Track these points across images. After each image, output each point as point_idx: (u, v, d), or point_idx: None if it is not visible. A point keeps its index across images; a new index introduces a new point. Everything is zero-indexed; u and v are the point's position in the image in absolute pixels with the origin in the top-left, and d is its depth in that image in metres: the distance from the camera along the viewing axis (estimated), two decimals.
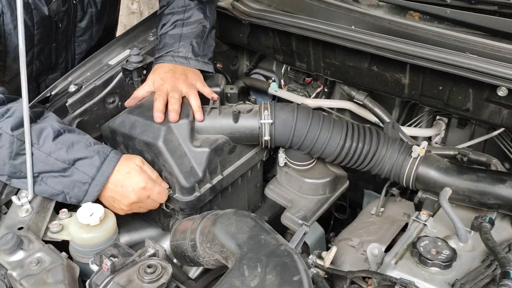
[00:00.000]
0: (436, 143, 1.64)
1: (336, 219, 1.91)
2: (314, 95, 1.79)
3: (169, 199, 1.31)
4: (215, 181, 1.35)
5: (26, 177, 1.17)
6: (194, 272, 1.43)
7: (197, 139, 1.33)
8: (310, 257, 1.31)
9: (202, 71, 1.48)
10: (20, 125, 1.15)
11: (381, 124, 1.56)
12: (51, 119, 1.24)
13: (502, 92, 1.20)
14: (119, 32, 1.70)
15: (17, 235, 1.05)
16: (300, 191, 1.47)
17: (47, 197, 1.21)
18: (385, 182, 1.48)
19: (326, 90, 1.76)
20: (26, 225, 1.12)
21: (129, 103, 1.44)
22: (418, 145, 1.32)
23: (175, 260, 1.26)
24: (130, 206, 1.26)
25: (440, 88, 1.32)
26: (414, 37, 1.31)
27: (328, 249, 1.31)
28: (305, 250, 1.54)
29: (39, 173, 1.17)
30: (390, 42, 1.28)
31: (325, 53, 1.50)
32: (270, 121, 1.32)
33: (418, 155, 1.30)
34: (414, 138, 1.57)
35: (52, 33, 1.43)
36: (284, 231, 1.54)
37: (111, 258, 0.94)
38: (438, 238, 1.17)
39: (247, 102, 1.45)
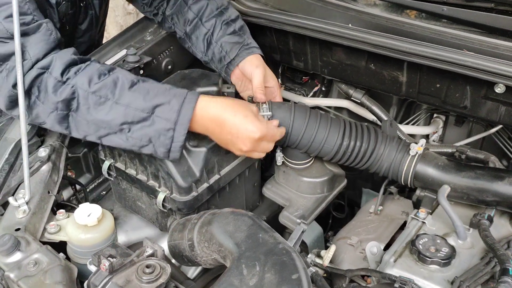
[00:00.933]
0: (434, 141, 1.64)
1: (334, 218, 1.91)
2: (311, 94, 1.79)
3: (166, 199, 1.31)
4: (212, 180, 1.34)
5: (113, 133, 1.15)
6: (192, 272, 1.43)
7: (194, 139, 1.32)
8: (309, 256, 1.31)
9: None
10: (92, 79, 1.14)
11: (379, 122, 1.56)
12: (122, 70, 1.21)
13: (499, 89, 1.20)
14: (116, 32, 1.71)
15: (14, 236, 1.04)
16: (298, 190, 1.47)
17: (136, 150, 1.19)
18: (384, 180, 1.48)
19: (323, 88, 1.76)
20: (23, 226, 1.11)
21: (260, 97, 1.36)
22: (416, 143, 1.32)
23: (173, 261, 1.26)
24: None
25: (438, 85, 1.32)
26: (411, 34, 1.31)
27: (327, 248, 1.31)
28: (304, 249, 1.54)
29: (122, 126, 1.14)
30: (387, 40, 1.28)
31: (322, 52, 1.50)
32: (269, 113, 1.31)
33: (416, 152, 1.29)
34: (412, 136, 1.57)
35: (64, 36, 1.43)
36: (282, 230, 1.53)
37: (109, 258, 0.94)
38: (437, 235, 1.16)
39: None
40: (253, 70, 1.41)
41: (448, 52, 1.21)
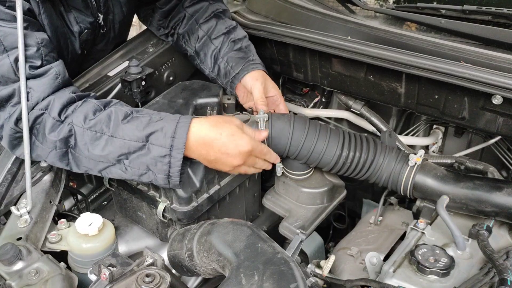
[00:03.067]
0: (433, 151, 1.64)
1: (335, 229, 1.91)
2: (312, 105, 1.80)
3: (167, 209, 1.31)
4: (212, 191, 1.35)
5: (112, 165, 1.18)
6: (192, 282, 1.43)
7: None
8: (308, 266, 1.31)
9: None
10: (87, 116, 1.17)
11: (378, 133, 1.57)
12: (118, 104, 1.23)
13: (497, 100, 1.22)
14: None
15: (16, 246, 1.05)
16: (297, 200, 1.48)
17: (137, 180, 1.21)
18: (384, 191, 1.48)
19: (323, 100, 1.77)
20: (25, 236, 1.12)
21: (262, 108, 1.38)
22: (415, 154, 1.33)
23: (173, 271, 1.26)
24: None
25: (436, 96, 1.33)
26: (409, 46, 1.33)
27: (327, 258, 1.32)
28: (304, 259, 1.54)
29: (119, 158, 1.16)
30: (386, 52, 1.30)
31: (322, 63, 1.51)
32: (265, 115, 1.34)
33: (415, 163, 1.30)
34: (412, 147, 1.58)
35: (79, 60, 1.47)
36: (283, 241, 1.54)
37: (109, 267, 0.95)
38: (436, 246, 1.17)
39: (244, 112, 1.46)
40: (253, 83, 1.45)
41: (445, 64, 1.23)
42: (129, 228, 1.52)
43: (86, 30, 1.39)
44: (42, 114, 1.16)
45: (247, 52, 1.54)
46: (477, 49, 1.28)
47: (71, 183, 1.49)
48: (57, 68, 1.20)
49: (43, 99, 1.16)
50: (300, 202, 1.47)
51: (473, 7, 1.38)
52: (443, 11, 1.43)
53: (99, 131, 1.16)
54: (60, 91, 1.19)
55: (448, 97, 1.31)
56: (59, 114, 1.16)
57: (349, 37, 1.41)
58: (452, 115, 1.34)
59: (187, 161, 1.24)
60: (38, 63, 1.17)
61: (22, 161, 1.27)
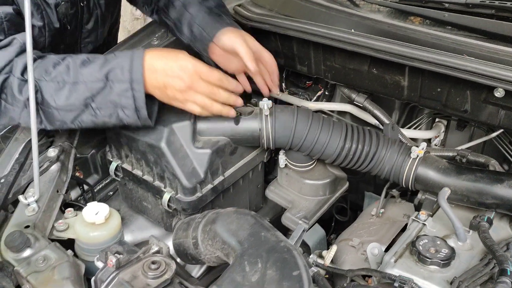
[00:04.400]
0: (435, 145, 1.65)
1: (337, 221, 1.93)
2: (315, 98, 1.81)
3: (172, 199, 1.33)
4: (216, 181, 1.37)
5: (81, 112, 1.22)
6: (197, 271, 1.45)
7: (198, 141, 1.35)
8: (311, 256, 1.32)
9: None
10: (47, 70, 1.21)
11: (381, 127, 1.58)
12: (74, 55, 1.26)
13: (499, 93, 1.22)
14: (123, 37, 1.73)
15: (24, 233, 1.07)
16: (300, 192, 1.49)
17: (108, 122, 1.24)
18: (386, 184, 1.49)
19: (326, 93, 1.78)
20: (32, 224, 1.14)
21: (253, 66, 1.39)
22: (417, 146, 1.34)
23: (178, 260, 1.28)
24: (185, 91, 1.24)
25: (439, 89, 1.34)
26: (413, 40, 1.33)
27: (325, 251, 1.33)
28: (307, 251, 1.56)
29: (86, 102, 1.20)
30: (389, 45, 1.30)
31: (326, 56, 1.52)
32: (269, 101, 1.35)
33: (417, 155, 1.32)
34: (414, 140, 1.59)
35: (61, 36, 1.47)
36: (285, 232, 1.56)
37: (116, 255, 0.96)
38: (437, 237, 1.18)
39: (248, 104, 1.48)
40: (233, 41, 1.42)
41: (449, 57, 1.23)
42: (134, 218, 1.54)
43: (63, 2, 1.40)
44: (7, 77, 1.20)
45: (221, 15, 1.53)
46: (480, 42, 1.29)
47: (77, 173, 1.51)
48: (21, 38, 1.23)
49: (6, 66, 1.21)
50: (302, 194, 1.48)
51: (477, 1, 1.38)
52: (447, 5, 1.43)
53: (61, 81, 1.19)
54: (22, 54, 1.22)
55: (451, 90, 1.32)
56: (22, 74, 1.20)
57: (352, 30, 1.41)
58: (454, 108, 1.35)
59: (154, 99, 1.27)
60: (1, 37, 1.22)
61: (30, 151, 1.29)
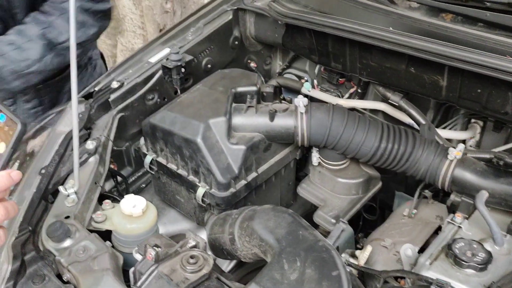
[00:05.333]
0: (470, 146, 1.62)
1: (365, 220, 1.91)
2: (347, 95, 1.80)
3: (206, 194, 1.35)
4: (250, 178, 1.38)
5: None
6: (226, 266, 1.47)
7: (233, 137, 1.36)
8: (342, 255, 1.32)
9: None
10: None
11: (415, 126, 1.56)
12: None
13: None
14: (153, 30, 1.74)
15: (65, 224, 1.10)
16: (333, 190, 1.49)
17: None
18: (417, 184, 1.48)
19: (359, 91, 1.76)
20: (72, 215, 1.16)
21: None
22: (454, 148, 1.32)
23: (209, 253, 1.30)
24: None
25: (479, 91, 1.31)
26: (453, 39, 1.31)
27: (357, 249, 1.33)
28: None
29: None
30: (429, 44, 1.28)
31: (362, 54, 1.51)
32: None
33: (455, 157, 1.30)
34: (449, 140, 1.56)
35: None
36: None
37: (154, 247, 0.98)
38: (473, 240, 1.17)
39: (283, 101, 1.47)
40: None
41: (491, 58, 1.21)
42: (166, 211, 1.56)
43: None
44: None
45: None
46: None
47: (111, 165, 1.53)
48: None
49: None
50: (335, 192, 1.48)
51: None
52: (488, 4, 1.40)
53: None
54: None
55: (492, 91, 1.29)
56: None
57: (390, 28, 1.39)
58: (494, 110, 1.32)
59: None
60: None
61: (69, 142, 1.32)
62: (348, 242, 1.60)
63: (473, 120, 1.61)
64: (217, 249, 1.18)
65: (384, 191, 1.79)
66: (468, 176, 1.29)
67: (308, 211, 1.60)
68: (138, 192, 1.63)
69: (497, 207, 1.27)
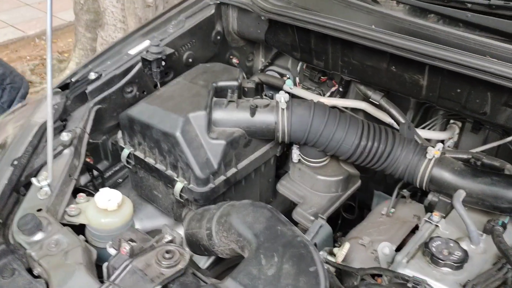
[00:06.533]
0: (449, 146, 1.64)
1: (344, 219, 1.92)
2: (328, 94, 1.80)
3: (184, 189, 1.32)
4: (229, 173, 1.36)
5: None
6: (204, 263, 1.45)
7: (213, 131, 1.34)
8: (320, 253, 1.31)
9: None
10: None
11: (395, 126, 1.57)
12: None
13: None
14: (134, 24, 1.71)
15: (36, 217, 1.06)
16: (312, 188, 1.48)
17: None
18: (396, 184, 1.48)
19: (340, 89, 1.76)
20: (45, 207, 1.13)
21: None
22: (433, 147, 1.33)
23: (187, 249, 1.27)
24: None
25: (458, 90, 1.32)
26: (434, 39, 1.31)
27: (335, 247, 1.32)
28: None
29: None
30: (411, 43, 1.29)
31: (344, 52, 1.50)
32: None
33: (433, 156, 1.30)
34: (428, 140, 1.57)
35: None
36: None
37: (129, 242, 0.96)
38: (450, 239, 1.17)
39: (264, 97, 1.46)
40: None
41: (471, 58, 1.22)
42: (143, 206, 1.53)
43: None
44: None
45: None
46: (504, 44, 1.27)
47: (87, 159, 1.50)
48: None
49: None
50: (315, 190, 1.48)
51: (500, 2, 1.36)
52: (469, 5, 1.41)
53: None
54: None
55: (471, 91, 1.30)
56: None
57: (373, 26, 1.40)
58: (473, 110, 1.34)
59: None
60: None
61: (43, 133, 1.28)
62: (326, 241, 1.59)
63: (452, 121, 1.63)
64: (194, 244, 1.17)
65: (363, 190, 1.79)
66: (446, 175, 1.29)
67: (288, 209, 1.59)
68: (114, 186, 1.60)
69: (474, 207, 1.29)
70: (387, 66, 1.42)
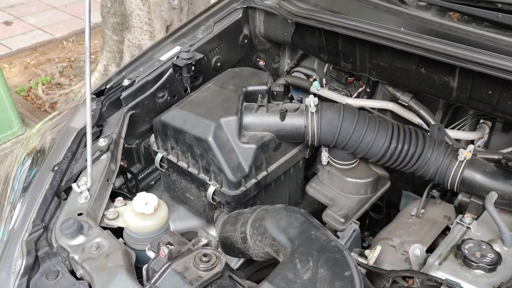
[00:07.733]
0: (479, 146, 1.63)
1: (371, 218, 1.92)
2: (355, 94, 1.80)
3: (216, 192, 1.36)
4: (260, 176, 1.38)
5: None
6: (235, 263, 1.48)
7: (244, 136, 1.36)
8: (351, 254, 1.33)
9: None
10: None
11: (423, 126, 1.57)
12: None
13: None
14: (160, 27, 1.74)
15: (78, 220, 1.10)
16: (342, 190, 1.50)
17: None
18: (425, 184, 1.48)
19: (368, 90, 1.77)
20: (85, 212, 1.17)
21: None
22: (464, 148, 1.32)
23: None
24: None
25: (490, 92, 1.31)
26: (464, 40, 1.31)
27: (363, 247, 1.33)
28: None
29: None
30: (441, 45, 1.28)
31: (372, 54, 1.51)
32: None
33: (465, 158, 1.30)
34: (457, 141, 1.57)
35: None
36: None
37: (168, 245, 0.99)
38: (482, 241, 1.17)
39: (293, 101, 1.48)
40: None
41: (502, 60, 1.21)
42: (175, 208, 1.57)
43: None
44: None
45: None
46: None
47: (121, 162, 1.54)
48: None
49: None
50: (344, 192, 1.49)
51: None
52: (500, 5, 1.39)
53: None
54: None
55: (503, 93, 1.29)
56: None
57: (402, 29, 1.39)
58: (505, 111, 1.32)
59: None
60: None
61: (81, 139, 1.33)
62: (355, 241, 1.61)
63: (481, 121, 1.62)
64: (228, 247, 1.19)
65: (391, 190, 1.79)
66: (478, 177, 1.29)
67: (316, 210, 1.60)
68: (147, 189, 1.65)
69: (506, 208, 1.28)
70: (416, 68, 1.42)
